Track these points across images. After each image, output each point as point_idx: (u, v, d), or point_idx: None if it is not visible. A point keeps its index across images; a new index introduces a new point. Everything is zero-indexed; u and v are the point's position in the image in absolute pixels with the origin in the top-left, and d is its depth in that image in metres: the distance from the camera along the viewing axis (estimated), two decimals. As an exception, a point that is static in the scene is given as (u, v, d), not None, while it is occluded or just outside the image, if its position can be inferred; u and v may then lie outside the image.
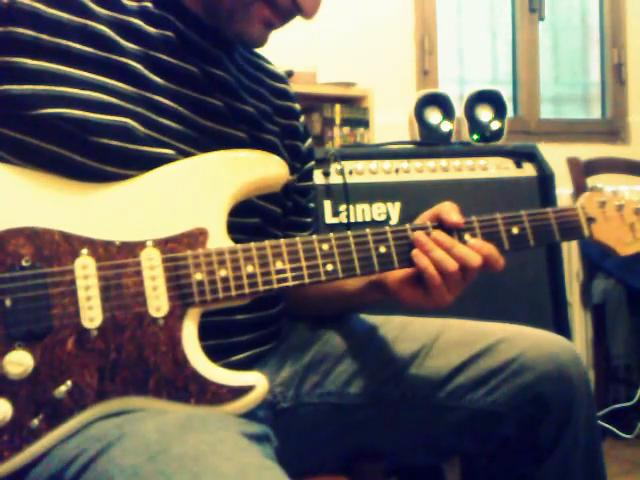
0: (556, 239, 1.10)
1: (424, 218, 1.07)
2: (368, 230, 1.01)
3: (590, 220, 1.12)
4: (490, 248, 1.03)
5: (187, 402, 0.87)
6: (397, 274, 1.06)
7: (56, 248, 0.86)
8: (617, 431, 2.78)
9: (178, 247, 0.91)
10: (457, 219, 1.04)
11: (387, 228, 1.02)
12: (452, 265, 1.00)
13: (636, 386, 2.85)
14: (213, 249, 0.92)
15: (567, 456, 1.10)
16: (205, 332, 0.92)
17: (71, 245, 0.87)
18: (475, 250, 1.02)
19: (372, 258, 1.00)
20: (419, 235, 1.02)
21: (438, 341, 1.14)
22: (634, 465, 2.57)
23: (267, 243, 0.95)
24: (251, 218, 1.09)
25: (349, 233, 1.00)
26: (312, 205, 1.31)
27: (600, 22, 3.60)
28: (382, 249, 1.01)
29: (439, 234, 1.02)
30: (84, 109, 0.93)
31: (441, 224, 1.04)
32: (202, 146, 1.02)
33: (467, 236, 1.04)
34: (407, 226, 1.03)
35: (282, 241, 0.96)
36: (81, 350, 0.85)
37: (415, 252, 1.02)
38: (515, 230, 1.07)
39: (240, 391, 0.89)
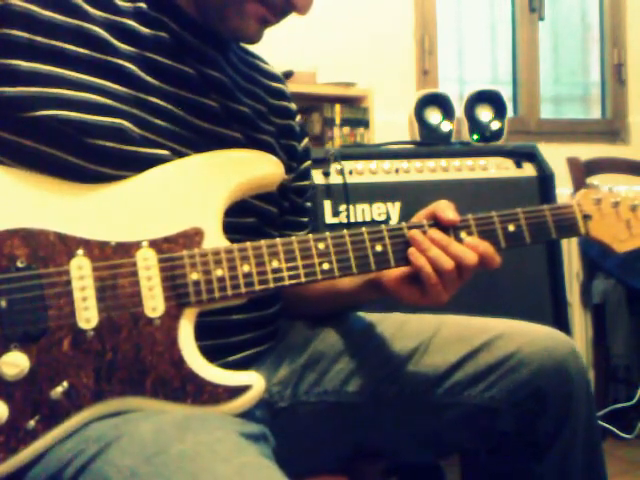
0: (552, 236, 1.09)
1: (420, 217, 1.06)
2: (364, 229, 1.01)
3: (586, 217, 1.12)
4: (486, 246, 1.03)
5: (184, 402, 0.87)
6: (393, 273, 1.05)
7: (51, 249, 0.86)
8: (617, 431, 2.78)
9: (174, 247, 0.91)
10: (453, 216, 1.03)
11: (383, 227, 1.02)
12: (448, 264, 1.00)
13: (636, 386, 2.85)
14: (209, 249, 0.92)
15: (566, 451, 1.10)
16: (202, 332, 0.92)
17: (66, 246, 0.87)
18: (471, 248, 1.02)
19: (368, 257, 1.00)
20: (415, 234, 1.02)
21: (436, 338, 1.14)
22: (634, 465, 2.57)
23: (263, 242, 0.95)
24: (247, 218, 1.09)
25: (345, 232, 1.00)
26: (309, 204, 1.31)
27: (600, 22, 3.60)
28: (378, 248, 1.01)
29: (435, 232, 1.02)
30: (79, 111, 0.93)
31: (437, 222, 1.04)
32: (197, 147, 1.03)
33: (463, 234, 1.04)
34: (403, 224, 1.03)
35: (278, 240, 0.96)
36: (77, 351, 0.85)
37: (411, 251, 1.01)
38: (511, 227, 1.06)
39: (236, 391, 0.89)
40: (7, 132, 0.93)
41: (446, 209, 1.04)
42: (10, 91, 0.91)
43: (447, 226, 1.03)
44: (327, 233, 0.99)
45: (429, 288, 1.01)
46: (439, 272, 1.00)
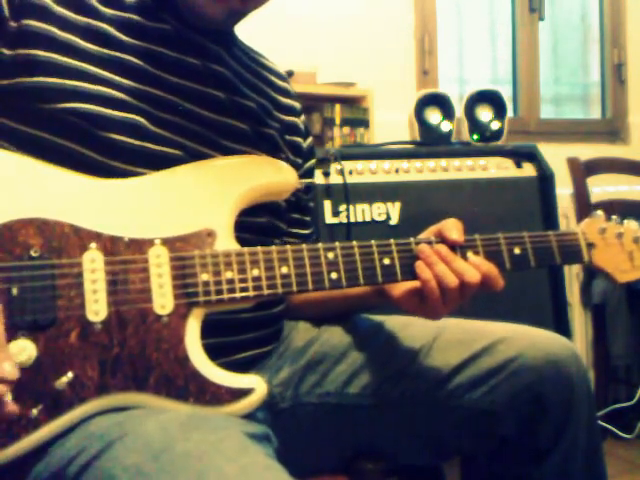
0: (557, 262, 1.11)
1: (428, 234, 1.08)
2: (373, 242, 1.02)
3: (590, 245, 1.14)
4: (490, 266, 1.04)
5: (186, 401, 0.88)
6: (400, 283, 1.06)
7: (65, 240, 0.87)
8: (617, 431, 2.78)
9: (186, 247, 0.92)
10: (456, 237, 1.04)
11: (392, 241, 1.03)
12: (453, 281, 1.01)
13: (636, 386, 2.85)
14: (220, 251, 0.93)
15: (567, 456, 1.10)
16: (207, 330, 0.92)
17: (80, 238, 0.88)
18: (474, 267, 1.02)
19: (376, 269, 1.01)
20: (424, 247, 1.03)
21: (437, 341, 1.14)
22: (634, 465, 2.57)
23: (274, 248, 0.96)
24: (260, 218, 1.10)
25: (354, 243, 1.01)
26: (312, 204, 1.32)
27: (600, 22, 3.59)
28: (386, 261, 1.02)
29: (441, 247, 1.04)
30: (96, 104, 0.95)
31: (443, 241, 1.05)
32: (206, 140, 1.04)
33: (470, 253, 1.05)
34: (411, 240, 1.05)
35: (288, 247, 0.97)
36: (84, 343, 0.85)
37: (418, 263, 1.02)
38: (517, 250, 1.08)
39: (239, 393, 0.90)
40: (22, 124, 0.94)
41: (452, 228, 1.05)
42: (28, 81, 0.93)
43: (453, 245, 1.05)
44: (337, 243, 1.00)
45: (429, 302, 1.02)
46: (442, 288, 1.01)
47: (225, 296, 0.92)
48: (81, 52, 0.97)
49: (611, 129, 3.51)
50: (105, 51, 0.99)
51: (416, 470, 1.42)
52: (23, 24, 0.95)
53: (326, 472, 1.16)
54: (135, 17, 1.04)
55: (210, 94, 1.08)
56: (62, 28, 0.97)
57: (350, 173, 2.10)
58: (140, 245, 0.90)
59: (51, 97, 0.93)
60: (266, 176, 1.03)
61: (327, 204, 2.05)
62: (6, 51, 0.94)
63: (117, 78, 0.98)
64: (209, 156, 1.04)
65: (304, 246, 0.98)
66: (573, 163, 2.91)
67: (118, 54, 1.00)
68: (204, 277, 0.91)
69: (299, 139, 1.25)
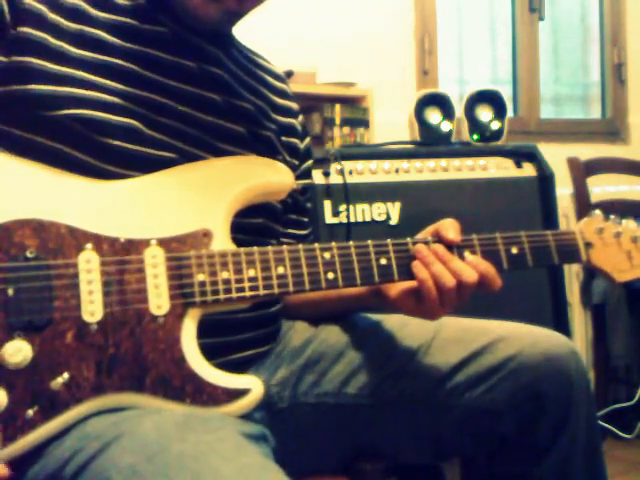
0: (554, 261, 1.11)
1: (425, 234, 1.08)
2: (370, 241, 1.02)
3: (588, 245, 1.14)
4: (487, 266, 1.03)
5: (183, 401, 0.88)
6: (397, 283, 1.06)
7: (61, 241, 0.87)
8: (617, 431, 2.78)
9: (182, 247, 0.92)
10: (453, 236, 1.04)
11: (389, 241, 1.03)
12: (450, 281, 1.00)
13: (636, 386, 2.85)
14: (216, 251, 0.93)
15: (566, 454, 1.10)
16: (204, 330, 0.92)
17: (76, 239, 0.88)
18: (472, 266, 1.02)
19: (372, 269, 1.01)
20: (421, 247, 1.03)
21: (436, 339, 1.14)
22: (634, 465, 2.57)
23: (270, 248, 0.96)
24: (256, 218, 1.09)
25: (351, 243, 1.01)
26: (309, 205, 1.32)
27: (600, 22, 3.60)
28: (383, 261, 1.02)
29: (438, 246, 1.03)
30: (90, 109, 0.95)
31: (440, 240, 1.05)
32: (202, 143, 1.04)
33: (467, 253, 1.05)
34: (408, 240, 1.04)
35: (285, 247, 0.97)
36: (80, 343, 0.85)
37: (415, 263, 1.02)
38: (514, 250, 1.08)
39: (235, 394, 0.89)
40: (13, 127, 0.94)
41: (449, 228, 1.05)
42: (22, 89, 0.93)
43: (450, 245, 1.04)
44: (333, 243, 1.00)
45: (426, 302, 1.02)
46: (440, 288, 1.00)
47: (221, 296, 0.92)
48: (73, 59, 0.97)
49: (611, 129, 3.51)
50: (98, 56, 0.99)
51: (416, 470, 1.42)
52: (20, 31, 0.95)
53: (326, 472, 1.16)
54: (130, 20, 1.04)
55: (206, 97, 1.08)
56: (55, 36, 0.97)
57: (350, 173, 2.09)
58: (136, 246, 0.90)
59: (45, 104, 0.93)
60: (262, 176, 1.03)
61: (327, 204, 2.05)
62: (1, 58, 0.94)
63: (111, 83, 0.98)
64: (205, 159, 1.04)
65: (300, 246, 0.98)
66: (573, 163, 2.91)
67: (111, 59, 1.00)
68: (200, 277, 0.91)
69: (296, 140, 1.25)
